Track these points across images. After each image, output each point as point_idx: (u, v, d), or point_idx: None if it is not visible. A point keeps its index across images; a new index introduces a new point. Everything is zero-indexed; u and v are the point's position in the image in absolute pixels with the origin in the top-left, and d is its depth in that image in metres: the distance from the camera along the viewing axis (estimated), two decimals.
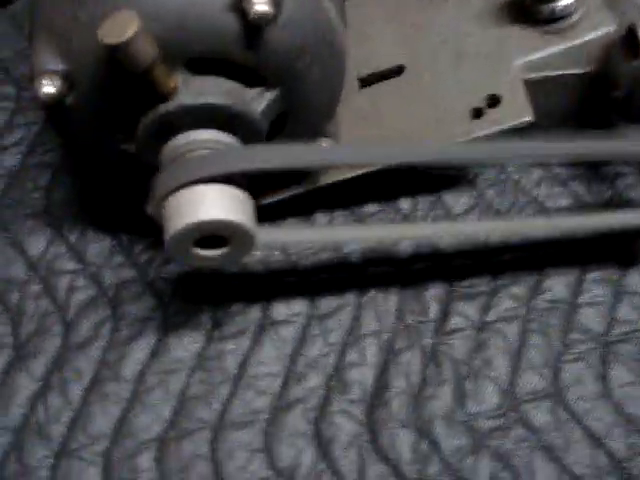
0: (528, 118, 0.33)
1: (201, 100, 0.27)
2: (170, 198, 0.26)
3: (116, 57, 0.25)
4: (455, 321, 0.34)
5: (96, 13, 0.26)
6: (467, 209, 0.37)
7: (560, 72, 0.35)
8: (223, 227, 0.26)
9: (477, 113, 0.34)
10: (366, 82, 0.36)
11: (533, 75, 0.35)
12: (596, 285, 0.35)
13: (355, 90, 0.36)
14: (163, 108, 0.27)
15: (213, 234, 0.27)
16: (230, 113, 0.28)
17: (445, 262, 0.36)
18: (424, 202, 0.37)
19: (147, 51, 0.25)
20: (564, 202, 0.37)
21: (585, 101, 0.36)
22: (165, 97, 0.27)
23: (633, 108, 0.35)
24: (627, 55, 0.33)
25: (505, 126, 0.33)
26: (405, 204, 0.37)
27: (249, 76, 0.28)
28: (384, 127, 0.35)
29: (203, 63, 0.28)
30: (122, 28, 0.25)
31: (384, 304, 0.35)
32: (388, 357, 0.34)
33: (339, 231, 0.30)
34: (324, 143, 0.32)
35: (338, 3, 0.30)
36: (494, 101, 0.34)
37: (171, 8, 0.26)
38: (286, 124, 0.31)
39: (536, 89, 0.35)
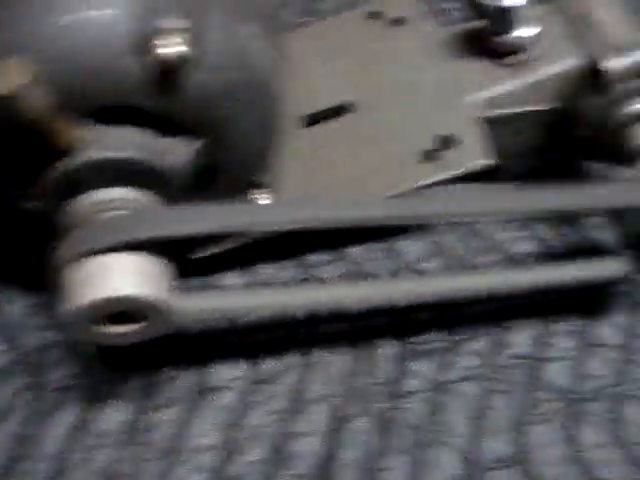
0: (488, 162, 0.30)
1: (108, 154, 0.24)
2: (70, 268, 0.23)
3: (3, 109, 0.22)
4: (410, 382, 0.32)
5: None
6: (425, 256, 0.34)
7: (519, 109, 0.32)
8: (133, 303, 0.23)
9: (429, 156, 0.31)
10: (308, 122, 0.33)
11: (490, 113, 0.32)
12: (562, 338, 0.32)
13: (295, 131, 0.33)
14: (65, 164, 0.24)
15: (123, 310, 0.23)
16: (143, 168, 0.25)
17: (397, 316, 0.33)
18: (376, 250, 0.34)
19: (38, 103, 0.22)
20: (529, 247, 0.35)
21: (546, 140, 0.33)
22: (66, 152, 0.24)
23: (597, 148, 0.33)
24: (591, 92, 0.31)
25: (460, 172, 0.30)
26: (356, 253, 0.34)
27: (168, 126, 0.25)
28: (325, 174, 0.32)
29: (114, 112, 0.24)
30: (9, 76, 0.21)
31: (333, 365, 0.32)
32: (338, 425, 0.31)
33: (271, 295, 0.27)
34: (258, 196, 0.28)
35: (272, 37, 0.27)
36: (448, 142, 0.31)
37: (68, 50, 0.23)
38: (215, 177, 0.27)
39: (493, 128, 0.32)
